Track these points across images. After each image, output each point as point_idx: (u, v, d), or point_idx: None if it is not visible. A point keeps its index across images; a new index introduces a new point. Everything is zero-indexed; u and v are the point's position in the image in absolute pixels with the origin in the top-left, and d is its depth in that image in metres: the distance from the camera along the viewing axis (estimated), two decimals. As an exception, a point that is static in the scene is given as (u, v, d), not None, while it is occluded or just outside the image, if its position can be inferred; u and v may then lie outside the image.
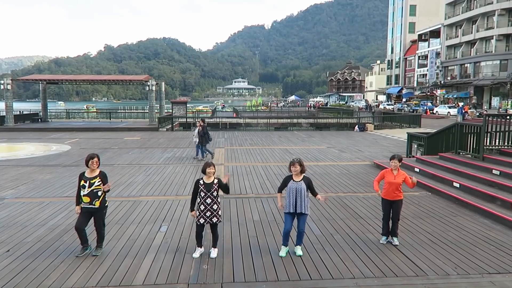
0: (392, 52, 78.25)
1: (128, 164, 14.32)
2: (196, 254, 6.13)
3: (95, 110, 48.81)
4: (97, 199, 6.04)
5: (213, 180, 6.04)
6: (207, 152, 15.64)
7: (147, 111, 36.13)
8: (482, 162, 10.72)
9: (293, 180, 6.08)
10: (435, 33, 61.62)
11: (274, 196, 9.81)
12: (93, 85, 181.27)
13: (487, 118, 10.94)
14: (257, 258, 6.10)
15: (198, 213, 5.98)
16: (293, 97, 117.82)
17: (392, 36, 78.39)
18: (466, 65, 53.88)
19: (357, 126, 29.42)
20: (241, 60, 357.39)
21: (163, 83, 37.29)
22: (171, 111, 35.87)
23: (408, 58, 72.38)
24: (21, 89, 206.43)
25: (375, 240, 6.88)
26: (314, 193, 6.24)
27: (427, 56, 62.66)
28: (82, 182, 6.06)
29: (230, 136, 24.36)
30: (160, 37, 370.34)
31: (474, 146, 11.37)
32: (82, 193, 6.04)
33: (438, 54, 59.77)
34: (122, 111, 47.61)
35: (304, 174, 6.18)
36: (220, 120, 34.12)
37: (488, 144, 11.07)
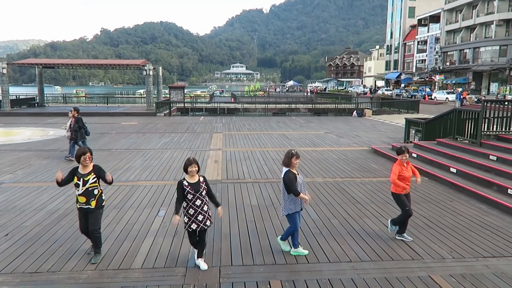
0: (391, 37, 77.64)
1: (126, 149, 14.30)
2: (204, 266, 5.32)
3: (84, 95, 48.47)
4: (93, 199, 5.40)
5: (199, 178, 5.23)
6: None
7: (144, 95, 35.95)
8: (480, 148, 10.75)
9: (297, 175, 5.59)
10: (435, 18, 61.06)
11: (272, 181, 9.85)
12: (90, 70, 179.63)
13: (485, 104, 10.93)
14: (254, 242, 6.14)
15: (187, 219, 5.16)
16: (291, 82, 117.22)
17: (391, 21, 77.66)
18: (465, 51, 53.60)
19: (355, 111, 29.40)
20: (239, 44, 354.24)
21: (160, 67, 37.03)
22: (168, 96, 35.66)
23: (407, 43, 71.89)
24: (17, 73, 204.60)
25: (372, 225, 6.94)
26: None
27: (427, 41, 62.24)
28: (76, 180, 5.37)
29: (228, 121, 24.31)
30: (157, 21, 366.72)
31: (472, 132, 11.38)
32: (76, 192, 5.44)
33: (437, 40, 59.38)
34: (119, 96, 47.24)
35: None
36: (218, 105, 33.99)
37: (485, 129, 11.08)
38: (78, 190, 5.41)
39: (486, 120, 11.02)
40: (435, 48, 59.33)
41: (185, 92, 37.09)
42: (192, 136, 17.75)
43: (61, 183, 5.49)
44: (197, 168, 5.16)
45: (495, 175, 9.04)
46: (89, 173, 5.43)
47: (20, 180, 9.90)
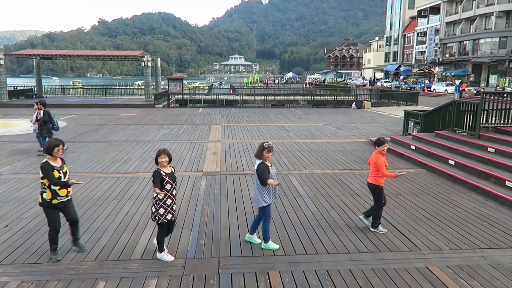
0: (391, 29, 77.22)
1: (125, 141, 14.29)
2: (171, 258, 5.30)
3: (81, 86, 48.26)
4: (70, 187, 5.36)
5: (172, 169, 5.34)
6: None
7: (143, 87, 35.79)
8: (478, 140, 10.77)
9: (271, 167, 5.52)
10: (435, 9, 60.70)
11: (271, 173, 9.85)
12: (88, 61, 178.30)
13: (484, 96, 10.93)
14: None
15: (164, 209, 5.14)
16: (290, 74, 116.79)
17: (391, 12, 77.18)
18: (465, 42, 53.38)
19: (354, 103, 29.36)
20: (238, 36, 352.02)
21: (158, 59, 36.82)
22: (167, 87, 35.53)
23: (407, 35, 71.54)
24: (15, 64, 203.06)
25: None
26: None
27: (426, 33, 61.91)
28: (57, 173, 5.16)
29: (227, 113, 24.27)
30: (155, 12, 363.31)
31: (470, 124, 11.40)
32: (56, 187, 5.20)
33: (437, 31, 59.08)
34: (117, 87, 47.04)
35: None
36: (217, 97, 33.89)
37: (484, 122, 11.10)
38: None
39: (485, 112, 11.04)
40: (434, 40, 59.06)
41: (183, 84, 36.93)
42: (191, 128, 17.74)
43: (57, 183, 5.23)
44: (167, 159, 5.17)
45: (493, 167, 9.08)
46: (63, 165, 5.36)
47: (19, 171, 9.90)
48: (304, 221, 6.75)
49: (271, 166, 5.54)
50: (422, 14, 64.63)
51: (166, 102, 29.39)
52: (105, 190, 8.40)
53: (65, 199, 5.32)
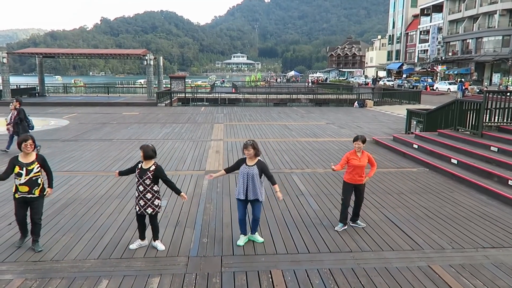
0: (393, 27, 77.05)
1: (127, 139, 14.32)
2: (133, 246, 5.56)
3: (83, 85, 48.37)
4: (37, 187, 5.36)
5: (150, 166, 5.41)
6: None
7: (145, 85, 35.82)
8: (481, 139, 10.75)
9: (246, 164, 5.58)
10: (438, 8, 60.52)
11: (273, 172, 9.75)
12: (90, 59, 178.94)
13: (487, 94, 10.90)
14: (256, 232, 6.18)
15: (160, 201, 5.51)
16: (292, 73, 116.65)
17: (394, 10, 76.98)
18: (468, 41, 53.20)
19: (356, 102, 29.32)
20: (240, 34, 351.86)
21: (161, 57, 36.83)
22: (169, 86, 35.58)
23: (409, 33, 71.36)
24: (17, 62, 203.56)
25: (373, 215, 6.98)
26: (272, 181, 5.64)
27: (429, 31, 61.77)
28: (18, 169, 5.24)
29: (229, 112, 24.28)
30: (157, 10, 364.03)
31: (473, 123, 11.36)
32: (17, 182, 5.28)
33: (440, 29, 58.90)
34: (120, 86, 47.15)
35: (258, 158, 5.68)
36: (219, 95, 33.91)
37: (487, 120, 11.07)
38: (19, 180, 5.29)
39: (488, 111, 11.01)
40: (437, 38, 58.88)
41: (186, 82, 36.97)
42: (193, 127, 17.76)
43: (2, 177, 5.31)
44: (142, 154, 5.43)
45: (496, 166, 9.05)
46: (32, 162, 5.37)
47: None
48: (306, 219, 6.76)
49: (253, 165, 5.58)
50: (425, 12, 64.45)
51: (169, 101, 29.42)
52: (107, 188, 8.43)
53: (27, 196, 5.35)
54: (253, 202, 5.65)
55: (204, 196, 7.99)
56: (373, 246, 5.75)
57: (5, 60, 28.54)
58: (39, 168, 5.43)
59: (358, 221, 6.51)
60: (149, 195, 5.38)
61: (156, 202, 5.44)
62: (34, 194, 5.38)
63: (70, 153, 11.87)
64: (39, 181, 5.41)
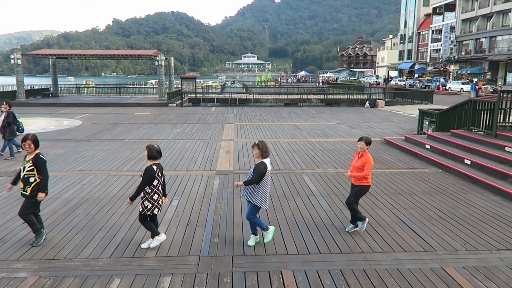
0: (405, 26, 76.32)
1: (139, 139, 14.44)
2: (158, 242, 5.63)
3: (94, 85, 48.92)
4: (29, 186, 5.51)
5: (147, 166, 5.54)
6: (15, 147, 11.57)
7: (156, 86, 36.05)
8: (495, 139, 10.58)
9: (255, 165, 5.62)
10: (450, 6, 59.77)
11: (284, 172, 9.87)
12: (102, 60, 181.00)
13: (501, 94, 10.72)
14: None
15: (151, 204, 5.43)
16: (303, 73, 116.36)
17: (405, 10, 76.26)
18: (481, 40, 52.43)
19: (367, 102, 29.12)
20: (251, 34, 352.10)
21: (172, 58, 37.06)
22: (180, 86, 35.76)
23: (421, 33, 70.61)
24: (31, 64, 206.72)
25: (384, 216, 6.92)
26: (245, 182, 5.52)
27: (441, 30, 61.01)
28: (22, 166, 5.59)
29: (240, 112, 24.32)
30: (168, 11, 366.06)
31: (487, 123, 11.20)
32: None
33: (452, 28, 58.16)
34: (131, 86, 47.56)
35: (263, 160, 5.49)
36: (230, 95, 33.97)
37: (501, 121, 10.90)
38: (21, 175, 5.61)
39: (502, 111, 10.83)
40: (450, 37, 58.15)
41: (196, 83, 37.12)
42: (204, 127, 17.83)
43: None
44: (146, 154, 5.52)
45: (511, 167, 8.91)
46: (28, 161, 5.57)
47: (36, 169, 10.07)
48: (317, 220, 6.73)
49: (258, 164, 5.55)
50: (437, 11, 63.70)
51: (179, 101, 29.58)
52: (119, 188, 8.51)
53: (22, 192, 5.62)
54: (248, 201, 5.66)
55: (215, 196, 8.01)
56: (385, 247, 5.70)
57: (19, 62, 29.02)
58: (32, 167, 5.54)
59: (357, 224, 6.23)
60: (142, 194, 5.50)
61: (146, 203, 5.45)
62: (26, 191, 5.56)
63: (83, 153, 12.01)
64: (30, 180, 5.53)
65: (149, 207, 5.45)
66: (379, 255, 5.46)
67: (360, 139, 6.21)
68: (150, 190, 5.44)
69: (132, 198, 5.44)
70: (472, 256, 5.47)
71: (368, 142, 6.14)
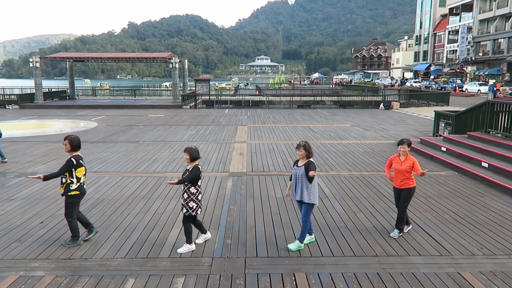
0: (420, 27, 75.36)
1: (153, 141, 14.58)
2: (200, 240, 5.84)
3: (108, 88, 49.61)
4: (61, 186, 5.72)
5: (190, 167, 5.60)
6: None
7: (170, 88, 36.38)
8: (513, 142, 10.36)
9: (296, 166, 5.72)
10: (467, 7, 58.80)
11: (297, 174, 9.82)
12: (118, 63, 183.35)
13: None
14: (279, 234, 6.18)
15: (196, 204, 5.53)
16: (316, 74, 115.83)
17: (421, 10, 75.32)
18: (499, 40, 51.43)
19: (382, 104, 28.83)
20: (264, 37, 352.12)
21: (186, 60, 37.34)
22: (194, 88, 36.02)
23: (437, 34, 69.61)
24: (49, 67, 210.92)
25: (399, 219, 6.83)
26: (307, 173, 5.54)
27: (458, 31, 60.03)
28: None
29: (253, 114, 24.35)
30: (182, 14, 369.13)
31: (506, 125, 10.97)
32: None
33: (469, 29, 57.20)
34: (146, 88, 48.10)
35: (310, 159, 5.61)
36: (243, 97, 34.05)
37: (520, 123, 10.67)
38: None
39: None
40: (467, 38, 57.18)
41: (210, 85, 37.33)
42: (217, 129, 17.91)
43: None
44: (187, 157, 5.54)
45: (530, 170, 8.71)
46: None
47: (53, 170, 10.25)
48: (330, 223, 6.69)
49: (301, 166, 5.61)
50: (454, 12, 62.73)
51: (193, 103, 29.78)
52: (134, 189, 8.61)
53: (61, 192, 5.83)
54: (301, 203, 5.72)
55: (228, 197, 8.04)
56: (400, 251, 5.63)
57: (38, 65, 29.61)
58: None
59: (404, 228, 6.21)
60: (185, 195, 5.53)
61: (191, 204, 5.50)
62: (61, 191, 5.75)
63: (98, 154, 12.19)
64: (63, 180, 5.69)
65: (194, 207, 5.52)
66: (393, 259, 5.40)
67: (401, 143, 6.24)
68: (195, 191, 5.52)
69: (177, 183, 5.46)
70: (489, 260, 5.36)
71: (409, 144, 6.27)
